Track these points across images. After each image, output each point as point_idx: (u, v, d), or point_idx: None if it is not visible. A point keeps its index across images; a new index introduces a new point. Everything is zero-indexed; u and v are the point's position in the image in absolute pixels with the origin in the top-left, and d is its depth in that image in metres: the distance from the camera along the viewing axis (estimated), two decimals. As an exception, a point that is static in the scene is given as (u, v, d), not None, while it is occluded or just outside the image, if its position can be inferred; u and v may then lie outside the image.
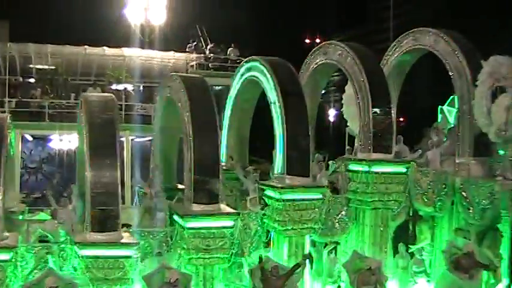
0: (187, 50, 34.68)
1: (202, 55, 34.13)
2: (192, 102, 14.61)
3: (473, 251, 15.35)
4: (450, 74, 17.32)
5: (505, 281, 16.98)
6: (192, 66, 33.89)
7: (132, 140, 29.60)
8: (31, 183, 32.90)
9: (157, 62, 33.85)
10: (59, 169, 33.47)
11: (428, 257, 17.30)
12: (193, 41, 35.19)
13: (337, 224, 15.91)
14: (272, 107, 15.34)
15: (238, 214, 14.48)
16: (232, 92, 18.00)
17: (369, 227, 15.79)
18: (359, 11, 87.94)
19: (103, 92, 30.54)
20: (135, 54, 33.04)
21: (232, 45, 34.23)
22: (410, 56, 18.99)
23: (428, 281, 16.88)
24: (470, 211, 16.27)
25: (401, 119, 33.57)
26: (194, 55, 34.27)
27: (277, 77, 15.31)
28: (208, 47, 34.35)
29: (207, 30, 35.71)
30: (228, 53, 34.04)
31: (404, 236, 17.83)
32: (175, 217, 14.48)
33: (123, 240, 13.54)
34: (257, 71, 16.19)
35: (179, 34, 36.50)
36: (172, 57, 34.05)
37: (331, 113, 52.98)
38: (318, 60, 17.89)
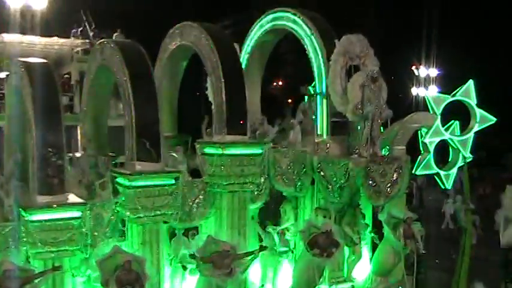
0: (72, 35, 33.65)
1: (87, 41, 33.20)
2: (34, 89, 13.98)
3: (331, 230, 15.43)
4: (307, 53, 17.31)
5: (367, 256, 17.35)
6: (77, 52, 32.95)
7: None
8: None
9: (40, 48, 32.67)
10: None
11: (292, 237, 17.36)
12: (79, 27, 34.19)
13: (195, 209, 15.63)
14: (120, 91, 14.85)
15: (85, 204, 13.96)
16: (87, 77, 17.37)
17: (227, 211, 15.57)
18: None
19: (-16, 80, 29.38)
20: (16, 41, 31.77)
21: (118, 30, 33.39)
22: (271, 36, 18.84)
23: (291, 261, 16.93)
24: (329, 190, 16.35)
25: (289, 100, 33.85)
26: (79, 41, 33.33)
27: (126, 60, 14.80)
28: (92, 33, 33.42)
29: (92, 14, 34.74)
30: (114, 38, 33.16)
31: (272, 217, 17.90)
32: (20, 210, 13.84)
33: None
34: (108, 55, 15.62)
35: (63, 19, 35.32)
36: (56, 43, 32.97)
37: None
38: (174, 42, 17.47)
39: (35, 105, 13.80)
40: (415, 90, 44.00)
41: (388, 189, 16.11)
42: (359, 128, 16.51)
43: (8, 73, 17.22)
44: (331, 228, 15.61)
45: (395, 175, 16.26)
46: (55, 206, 13.41)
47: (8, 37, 31.79)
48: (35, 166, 13.63)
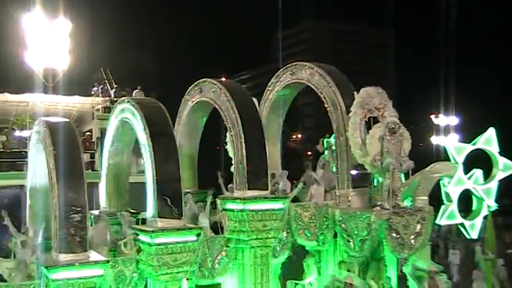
0: (92, 93, 34.09)
1: (107, 98, 33.58)
2: (57, 148, 14.20)
3: (352, 283, 15.26)
4: (326, 106, 17.37)
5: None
6: (98, 110, 33.29)
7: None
8: None
9: (62, 107, 33.02)
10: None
11: (316, 292, 17.14)
12: (99, 85, 34.66)
13: (217, 264, 15.55)
14: (142, 148, 14.98)
15: (108, 262, 13.94)
16: (108, 136, 17.54)
17: (249, 266, 15.45)
18: (264, 50, 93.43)
19: (7, 139, 29.81)
20: (39, 100, 32.20)
21: (138, 87, 33.80)
22: (289, 90, 19.00)
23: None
24: (350, 243, 16.19)
25: (309, 153, 33.86)
26: (100, 99, 33.67)
27: (147, 118, 14.97)
28: (113, 90, 33.85)
29: (112, 73, 35.25)
30: (133, 95, 33.53)
31: (296, 271, 17.69)
32: (42, 268, 13.84)
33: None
34: (129, 113, 15.82)
35: (84, 78, 35.95)
36: (77, 102, 33.33)
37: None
38: (194, 98, 17.75)
39: (58, 164, 13.98)
40: (435, 139, 43.79)
41: (412, 241, 15.88)
42: (379, 180, 16.41)
43: (32, 132, 17.42)
44: (352, 281, 15.49)
45: (418, 226, 16.04)
46: (77, 264, 13.43)
47: (30, 97, 32.22)
48: (57, 225, 13.71)
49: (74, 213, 13.78)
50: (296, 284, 16.94)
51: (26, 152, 27.37)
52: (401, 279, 17.26)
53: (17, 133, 30.68)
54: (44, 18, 32.39)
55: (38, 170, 16.18)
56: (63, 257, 13.56)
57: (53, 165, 14.04)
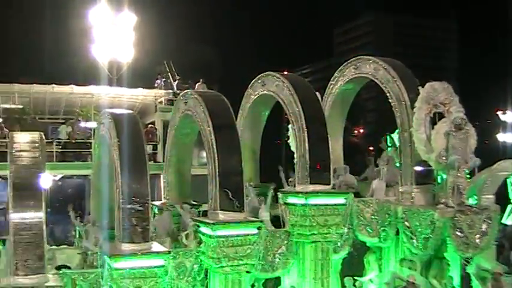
0: (155, 86, 34.54)
1: (170, 91, 33.96)
2: (121, 139, 14.37)
3: (414, 281, 15.00)
4: (390, 101, 17.09)
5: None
6: (161, 102, 33.72)
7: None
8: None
9: (126, 99, 33.55)
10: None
11: (377, 289, 16.92)
12: (162, 77, 35.08)
13: (277, 259, 15.50)
14: (204, 141, 15.05)
15: (169, 252, 14.08)
16: (171, 127, 17.73)
17: (310, 261, 15.36)
18: (326, 43, 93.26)
19: (73, 130, 30.53)
20: (103, 92, 32.79)
21: (201, 80, 34.08)
22: (353, 84, 18.83)
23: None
24: (414, 240, 15.89)
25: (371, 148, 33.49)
26: (162, 91, 34.08)
27: (209, 110, 15.05)
28: (176, 83, 34.19)
29: (175, 66, 35.64)
30: (196, 88, 33.77)
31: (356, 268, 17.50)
32: (105, 257, 14.09)
33: (48, 284, 13.26)
34: (192, 105, 15.93)
35: (147, 71, 36.46)
36: (140, 94, 33.82)
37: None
38: (257, 92, 17.75)
39: (121, 155, 14.16)
40: (501, 136, 42.62)
41: (477, 240, 15.51)
42: (444, 177, 16.05)
43: (96, 123, 17.76)
44: (414, 280, 15.23)
45: (484, 226, 15.65)
46: (139, 253, 13.60)
47: (95, 89, 32.87)
48: (120, 215, 13.90)
49: (137, 204, 13.95)
50: (355, 280, 16.72)
51: (90, 142, 28.13)
52: (464, 279, 16.84)
53: (82, 124, 31.29)
54: (110, 12, 32.96)
55: (102, 161, 16.49)
56: (126, 247, 13.74)
57: (117, 156, 14.22)
